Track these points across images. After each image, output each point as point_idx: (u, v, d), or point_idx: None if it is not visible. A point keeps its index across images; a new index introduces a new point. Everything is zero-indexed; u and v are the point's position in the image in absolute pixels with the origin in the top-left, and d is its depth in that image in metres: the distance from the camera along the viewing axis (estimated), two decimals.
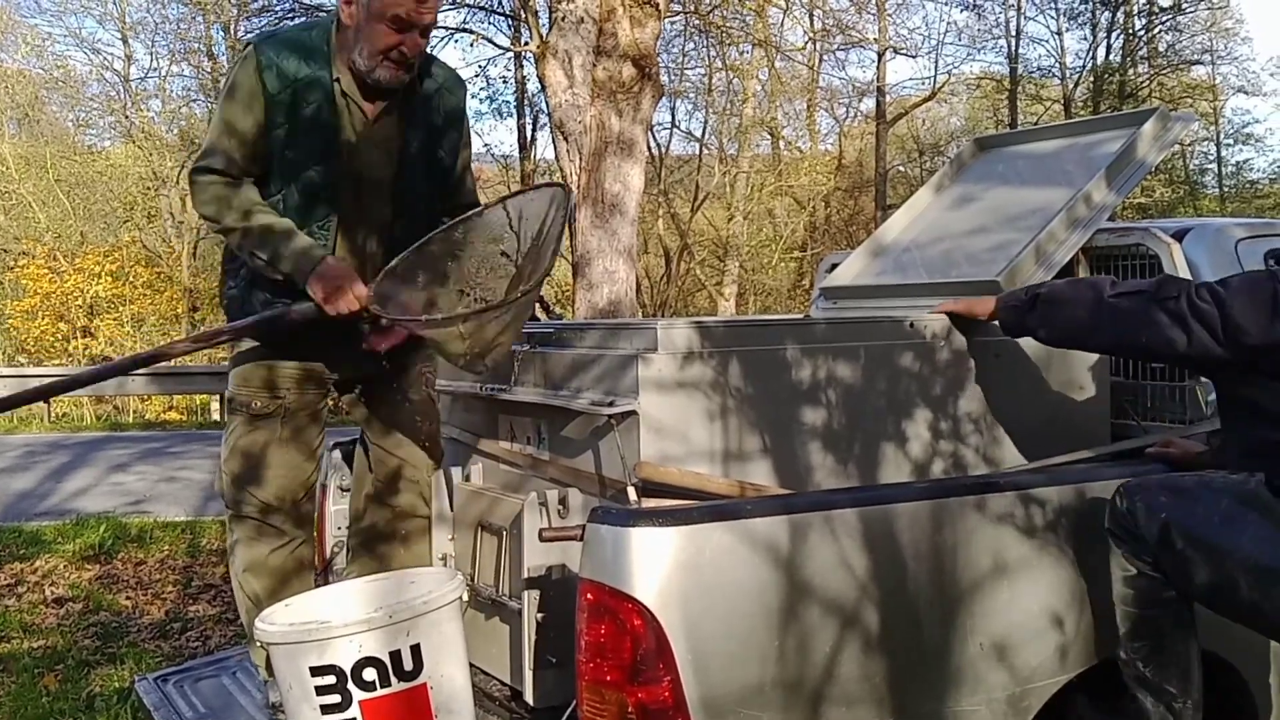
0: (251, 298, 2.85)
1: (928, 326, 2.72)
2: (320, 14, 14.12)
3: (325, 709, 2.25)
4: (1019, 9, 26.81)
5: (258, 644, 2.72)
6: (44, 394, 2.80)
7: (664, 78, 14.35)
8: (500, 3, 15.17)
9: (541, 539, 2.26)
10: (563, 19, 7.70)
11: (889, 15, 24.40)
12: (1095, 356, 2.99)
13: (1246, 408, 2.43)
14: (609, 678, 1.95)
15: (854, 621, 2.08)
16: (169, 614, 5.86)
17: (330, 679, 2.23)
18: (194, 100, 26.14)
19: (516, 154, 25.39)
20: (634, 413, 2.32)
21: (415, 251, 2.76)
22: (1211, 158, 30.02)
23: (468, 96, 3.07)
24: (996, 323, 2.72)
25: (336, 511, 3.25)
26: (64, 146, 25.53)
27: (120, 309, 21.71)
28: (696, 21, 16.22)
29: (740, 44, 20.19)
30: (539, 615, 2.46)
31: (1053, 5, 27.27)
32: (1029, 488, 2.36)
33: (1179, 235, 3.15)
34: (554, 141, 7.71)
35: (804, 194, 25.74)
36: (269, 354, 2.87)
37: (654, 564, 1.92)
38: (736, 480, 2.36)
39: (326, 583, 3.12)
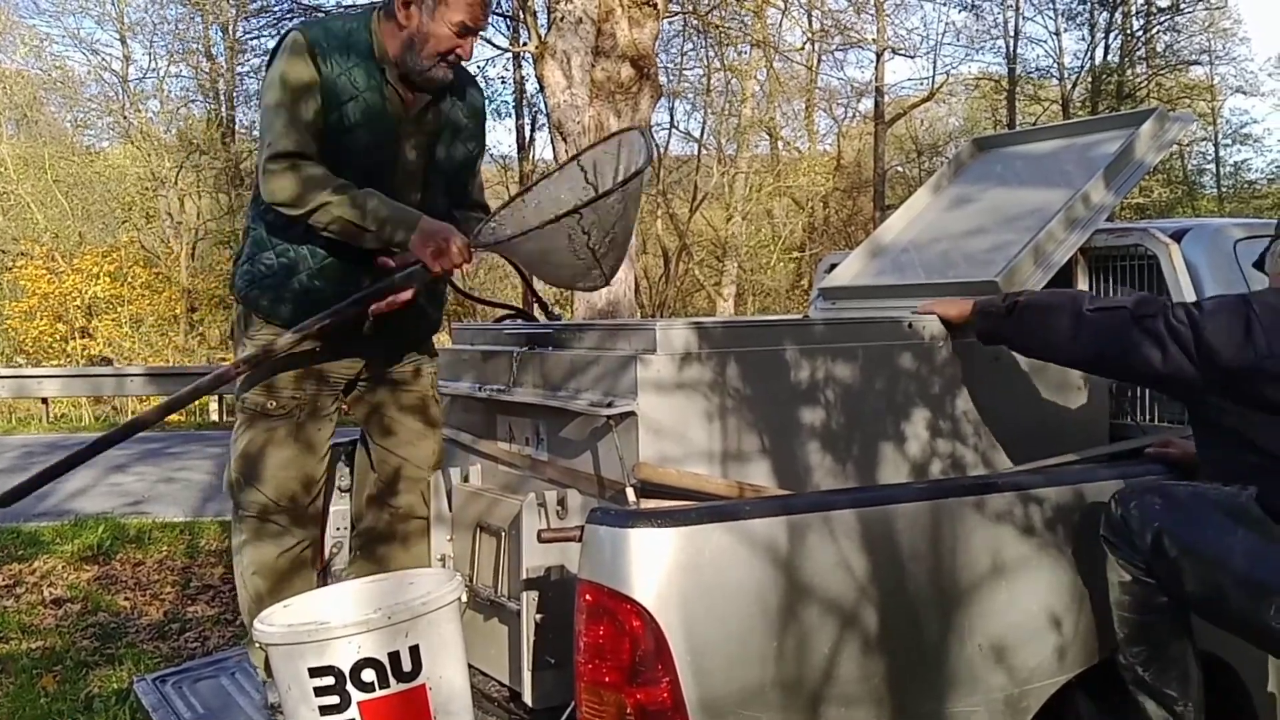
0: (290, 283, 2.82)
1: (926, 327, 2.73)
2: (318, 14, 14.14)
3: (324, 710, 2.25)
4: (1017, 9, 26.90)
5: (257, 644, 2.72)
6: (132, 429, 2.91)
7: (662, 78, 14.35)
8: (499, 3, 15.17)
9: (540, 540, 2.26)
10: (561, 19, 7.70)
11: (887, 16, 24.43)
12: None
13: (1223, 434, 2.45)
14: (608, 679, 1.95)
15: (853, 622, 2.08)
16: (167, 615, 5.86)
17: (329, 680, 2.23)
18: (192, 101, 26.24)
19: (515, 154, 25.42)
20: (633, 414, 2.32)
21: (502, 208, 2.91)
22: (1210, 158, 30.10)
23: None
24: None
25: (336, 512, 3.24)
26: (62, 147, 25.53)
27: (118, 309, 21.70)
28: (695, 22, 16.23)
29: (739, 44, 20.22)
30: (538, 616, 2.46)
31: (1051, 5, 27.36)
32: (1028, 488, 2.36)
33: (1177, 236, 3.15)
34: (552, 142, 7.72)
35: (802, 194, 25.77)
36: (283, 361, 2.84)
37: (653, 565, 1.92)
38: (735, 481, 2.36)
39: (325, 583, 3.12)
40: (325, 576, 3.21)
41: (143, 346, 21.56)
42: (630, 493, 2.28)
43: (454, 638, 2.34)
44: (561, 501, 2.53)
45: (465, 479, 3.00)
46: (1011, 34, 27.32)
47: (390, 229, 2.69)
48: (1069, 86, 27.11)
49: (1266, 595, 2.19)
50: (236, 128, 25.91)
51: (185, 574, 6.71)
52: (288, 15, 14.79)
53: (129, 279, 21.98)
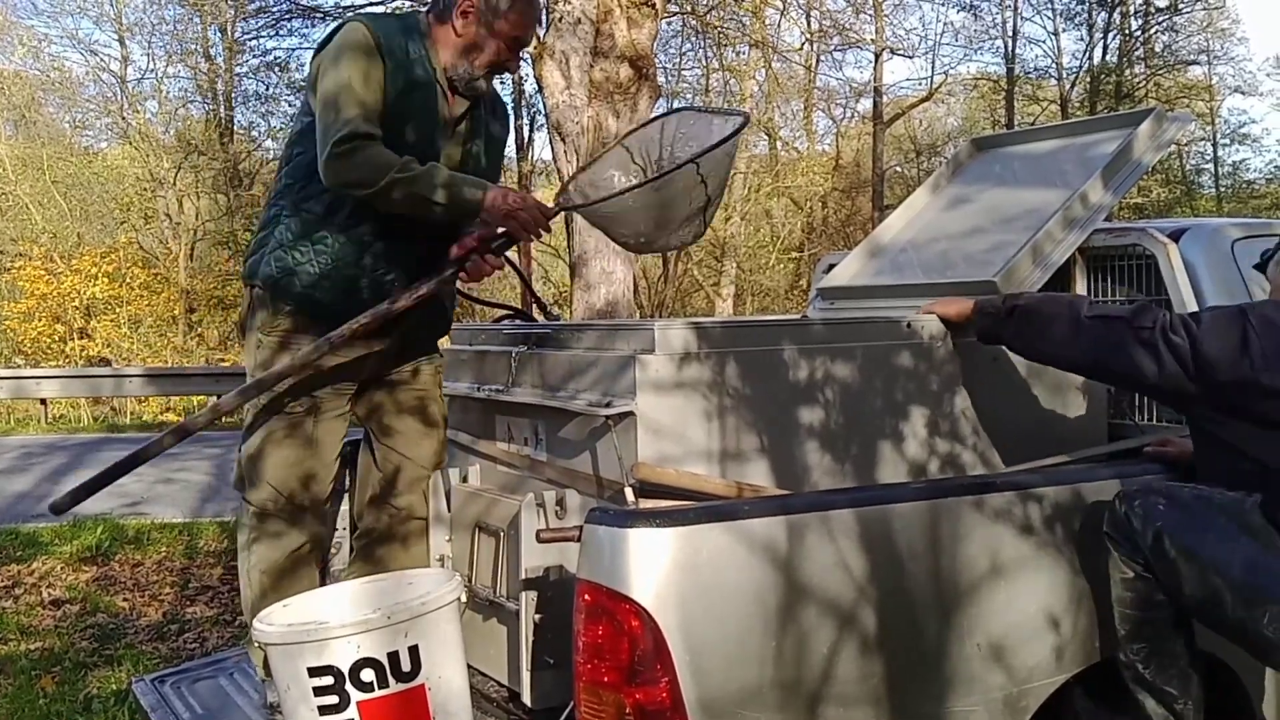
0: (333, 273, 2.82)
1: (925, 327, 2.73)
2: (316, 15, 14.15)
3: (323, 710, 2.25)
4: (1015, 9, 26.90)
5: (256, 644, 2.72)
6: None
7: (661, 78, 14.34)
8: None
9: (539, 540, 2.26)
10: (560, 20, 7.69)
11: (886, 16, 24.37)
12: None
13: (1219, 443, 2.46)
14: (606, 679, 1.95)
15: (852, 622, 2.08)
16: (166, 615, 5.86)
17: (328, 680, 2.23)
18: (191, 101, 26.19)
19: (514, 154, 25.41)
20: (631, 414, 2.33)
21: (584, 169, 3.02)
22: (1208, 158, 30.11)
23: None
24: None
25: (332, 513, 3.24)
26: (61, 148, 25.50)
27: (117, 310, 21.67)
28: (693, 22, 16.21)
29: (737, 45, 20.20)
30: (536, 616, 2.46)
31: (1049, 6, 27.35)
32: (1026, 488, 2.36)
33: (1176, 235, 3.15)
34: (551, 142, 7.70)
35: (801, 194, 25.75)
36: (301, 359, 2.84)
37: (651, 565, 1.93)
38: (734, 481, 2.36)
39: (324, 583, 3.12)
40: (324, 576, 3.21)
41: (141, 347, 21.52)
42: (629, 493, 2.28)
43: (453, 638, 2.34)
44: (560, 502, 2.53)
45: (464, 479, 3.00)
46: (1010, 34, 27.34)
47: (463, 194, 2.71)
48: (1067, 86, 27.11)
49: (1262, 604, 2.21)
50: (235, 128, 25.90)
51: (184, 575, 6.71)
52: (286, 16, 14.79)
53: (127, 280, 21.95)
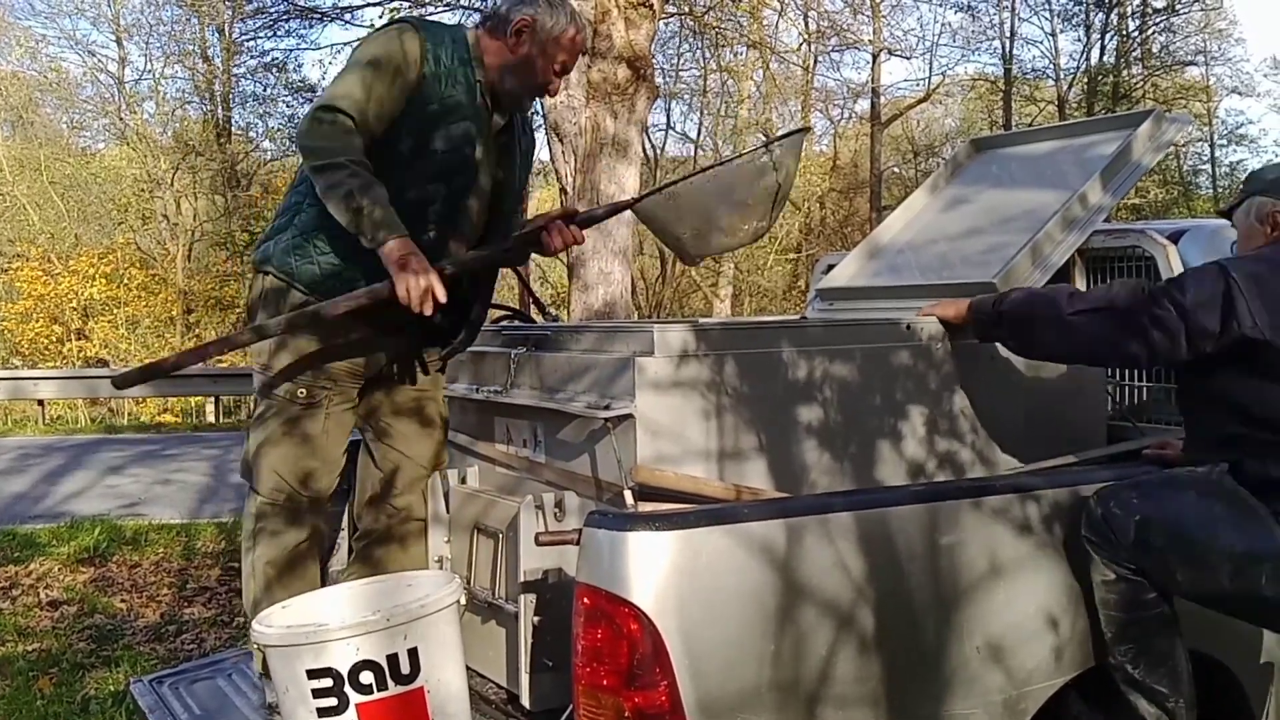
0: (352, 263, 2.79)
1: (923, 328, 2.73)
2: (313, 15, 14.14)
3: (322, 712, 2.25)
4: (1013, 10, 26.90)
5: (255, 644, 2.72)
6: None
7: (659, 79, 14.34)
8: (490, 2, 15.17)
9: (538, 543, 2.26)
10: None
11: (883, 17, 24.39)
12: None
13: (1209, 400, 2.48)
14: (605, 682, 1.95)
15: (850, 624, 2.08)
16: (164, 616, 5.86)
17: (327, 682, 2.23)
18: (188, 102, 26.19)
19: None
20: (630, 416, 2.32)
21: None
22: (1205, 159, 30.13)
23: None
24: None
25: (332, 513, 3.24)
26: (58, 148, 25.50)
27: (115, 311, 21.70)
28: (691, 23, 16.22)
29: (735, 45, 20.20)
30: (535, 619, 2.46)
31: (1047, 6, 27.36)
32: (1025, 490, 2.36)
33: (1174, 237, 3.16)
34: (549, 143, 7.70)
35: (799, 195, 25.75)
36: (315, 346, 2.84)
37: (651, 568, 1.92)
38: (732, 484, 2.36)
39: (324, 584, 3.11)
40: (323, 578, 3.21)
41: (139, 348, 21.54)
42: (628, 495, 2.28)
43: (452, 640, 2.34)
44: (559, 504, 2.53)
45: (463, 481, 3.00)
46: (1007, 35, 27.34)
47: (364, 226, 2.61)
48: (1065, 87, 27.12)
49: (1255, 564, 2.23)
50: (233, 129, 25.90)
51: (182, 576, 6.70)
52: (284, 17, 14.78)
53: (125, 280, 21.99)
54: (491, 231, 3.05)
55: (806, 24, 20.68)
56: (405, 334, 2.92)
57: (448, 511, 2.96)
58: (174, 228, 24.45)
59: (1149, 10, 26.40)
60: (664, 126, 25.36)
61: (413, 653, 2.26)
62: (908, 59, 33.49)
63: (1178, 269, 3.06)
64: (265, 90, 25.49)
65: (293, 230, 2.86)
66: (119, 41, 25.49)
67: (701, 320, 2.77)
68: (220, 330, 22.93)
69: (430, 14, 12.43)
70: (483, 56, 2.87)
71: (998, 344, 2.77)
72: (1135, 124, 3.43)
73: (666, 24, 16.37)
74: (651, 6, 7.78)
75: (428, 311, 2.58)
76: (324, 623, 2.32)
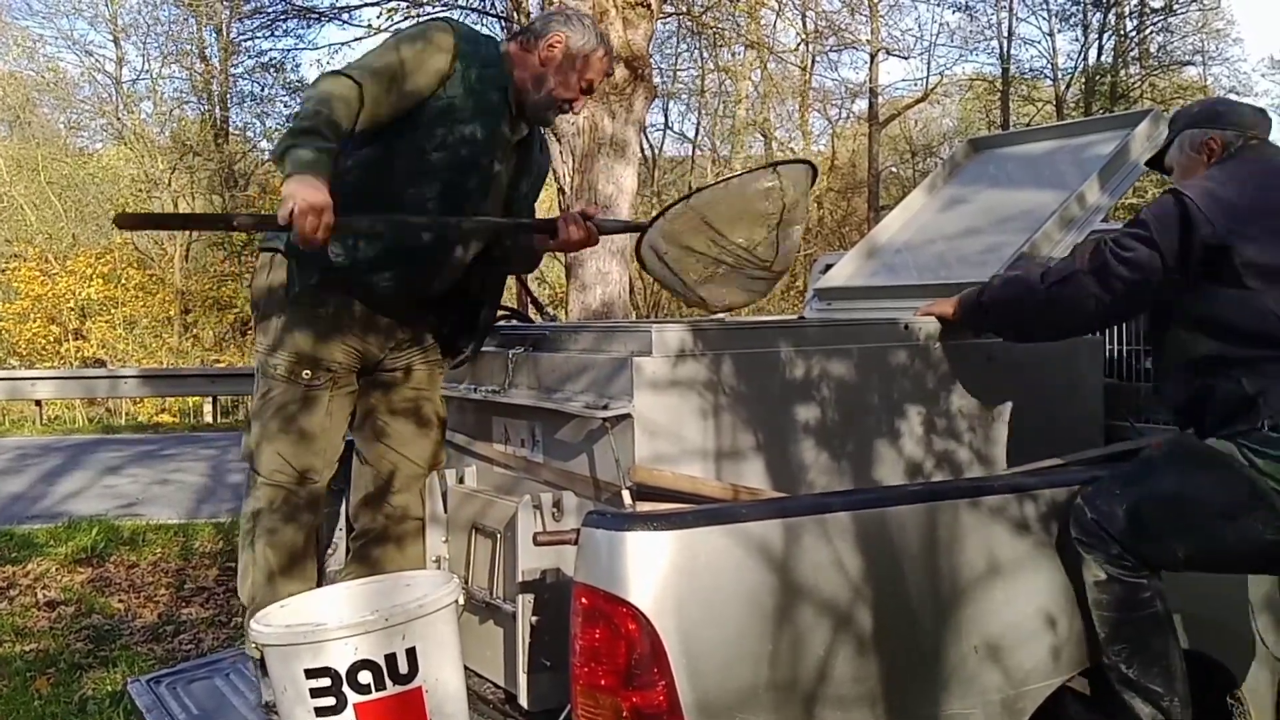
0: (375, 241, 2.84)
1: (921, 328, 2.73)
2: (311, 15, 14.14)
3: (320, 711, 2.25)
4: (1011, 10, 26.91)
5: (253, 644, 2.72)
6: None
7: (657, 79, 14.34)
8: (493, 4, 15.17)
9: (536, 543, 2.26)
10: None
11: (881, 17, 24.44)
12: (1088, 357, 3.02)
13: (1177, 328, 2.50)
14: (603, 682, 1.94)
15: (848, 624, 2.08)
16: (162, 616, 5.85)
17: (325, 681, 2.23)
18: (186, 102, 26.16)
19: None
20: (628, 415, 2.32)
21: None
22: None
23: None
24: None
25: (330, 513, 3.24)
26: (56, 149, 25.45)
27: (112, 311, 21.65)
28: (689, 23, 16.23)
29: (733, 45, 20.22)
30: (533, 619, 2.46)
31: (1044, 6, 27.38)
32: (1023, 490, 2.36)
33: None
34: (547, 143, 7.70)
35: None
36: (322, 329, 2.87)
37: (648, 568, 1.92)
38: (730, 483, 2.35)
39: (322, 584, 3.11)
40: (321, 577, 3.21)
41: (136, 348, 21.50)
42: (626, 495, 2.28)
43: (451, 640, 2.34)
44: (557, 504, 2.53)
45: (460, 480, 3.00)
46: (1005, 35, 27.36)
47: (284, 158, 2.52)
48: (1063, 87, 27.12)
49: (1248, 513, 2.28)
50: (230, 129, 25.89)
51: (179, 576, 6.70)
52: (281, 17, 14.78)
53: (122, 281, 21.94)
54: (496, 242, 3.09)
55: (804, 24, 20.72)
56: (415, 326, 2.98)
57: (445, 511, 2.96)
58: None
59: (1147, 10, 26.44)
60: (662, 126, 25.37)
61: (411, 652, 2.26)
62: (905, 59, 33.53)
63: None
64: (263, 90, 25.52)
65: None
66: (116, 41, 25.49)
67: (699, 320, 2.77)
68: (218, 331, 22.93)
69: (429, 14, 12.43)
70: (513, 67, 2.93)
71: (1000, 338, 2.78)
72: (1133, 124, 3.43)
73: (664, 24, 16.38)
74: (649, 6, 7.79)
75: (319, 239, 2.48)
76: (322, 622, 2.32)
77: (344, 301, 2.88)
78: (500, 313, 3.38)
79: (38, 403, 16.93)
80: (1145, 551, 2.33)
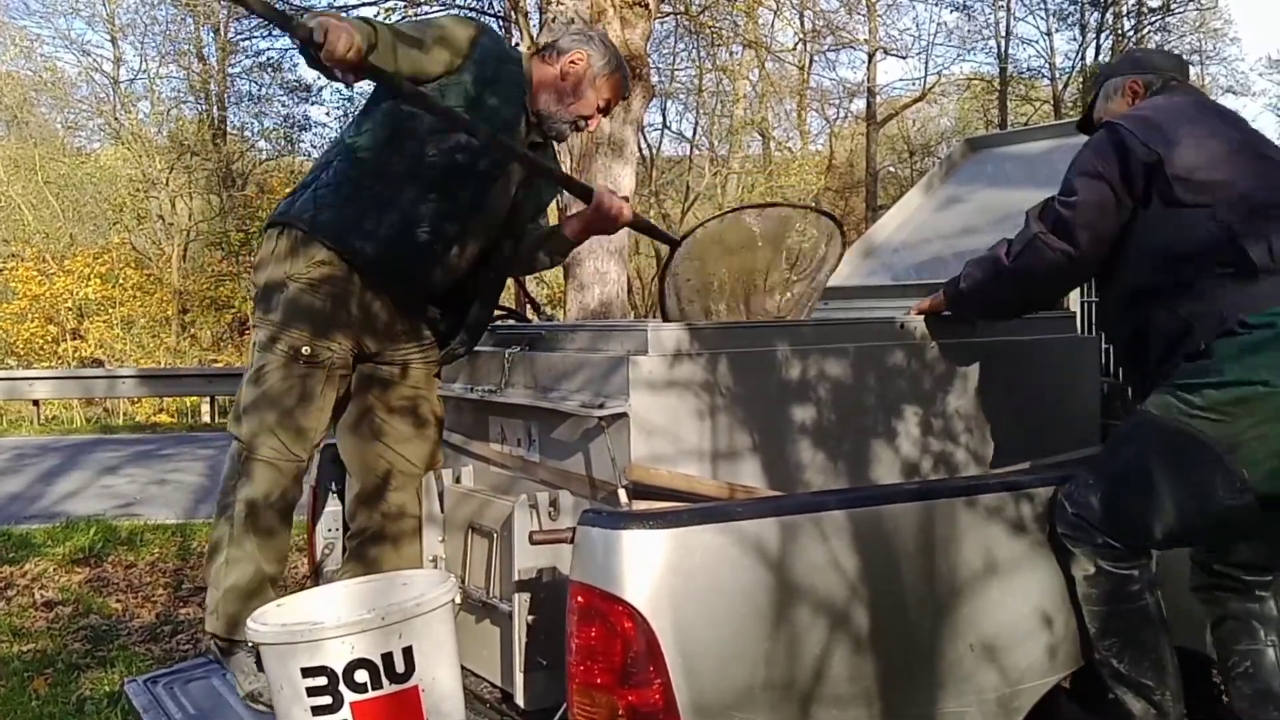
0: (381, 214, 2.90)
1: (917, 327, 2.73)
2: (307, 15, 14.13)
3: (316, 710, 2.25)
4: (1008, 10, 26.94)
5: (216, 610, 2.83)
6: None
7: (654, 78, 14.35)
8: (491, 4, 15.17)
9: (532, 541, 2.26)
10: (553, 20, 7.69)
11: (879, 16, 24.47)
12: (1085, 357, 3.02)
13: (1118, 262, 2.52)
14: (599, 680, 1.95)
15: (844, 623, 2.08)
16: (159, 617, 5.85)
17: (322, 680, 2.23)
18: (184, 102, 26.15)
19: None
20: (624, 415, 2.32)
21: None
22: None
23: None
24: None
25: (329, 513, 3.24)
26: (53, 148, 25.44)
27: (110, 311, 21.63)
28: (687, 22, 16.23)
29: (731, 45, 20.22)
30: (529, 618, 2.46)
31: (1042, 6, 27.40)
32: (1019, 488, 2.36)
33: None
34: None
35: (794, 194, 25.76)
36: (325, 308, 2.88)
37: (645, 567, 1.92)
38: (726, 482, 2.36)
39: (318, 583, 3.11)
40: (318, 577, 3.21)
41: (134, 348, 21.49)
42: (622, 494, 2.28)
43: (447, 639, 2.34)
44: (553, 503, 2.53)
45: (457, 480, 3.00)
46: (1003, 34, 27.39)
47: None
48: (1060, 86, 27.14)
49: (1204, 476, 2.28)
50: (228, 129, 25.88)
51: (177, 576, 6.70)
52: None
53: (120, 281, 21.92)
54: (498, 247, 3.11)
55: (802, 23, 20.73)
56: (414, 318, 3.01)
57: (442, 511, 2.96)
58: (169, 228, 24.42)
59: (1144, 9, 26.45)
60: (659, 126, 25.36)
61: (407, 651, 2.26)
62: (903, 58, 33.43)
63: None
64: (260, 90, 25.53)
65: (317, 184, 2.96)
66: (114, 41, 25.47)
67: (695, 320, 2.77)
68: (216, 331, 22.92)
69: (426, 14, 12.44)
70: (532, 77, 3.01)
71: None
72: None
73: (662, 23, 16.39)
74: (647, 6, 7.79)
75: (350, 58, 2.55)
76: (319, 621, 2.31)
77: (345, 284, 2.89)
78: (497, 312, 3.38)
79: (35, 403, 16.92)
80: (1127, 537, 2.33)
